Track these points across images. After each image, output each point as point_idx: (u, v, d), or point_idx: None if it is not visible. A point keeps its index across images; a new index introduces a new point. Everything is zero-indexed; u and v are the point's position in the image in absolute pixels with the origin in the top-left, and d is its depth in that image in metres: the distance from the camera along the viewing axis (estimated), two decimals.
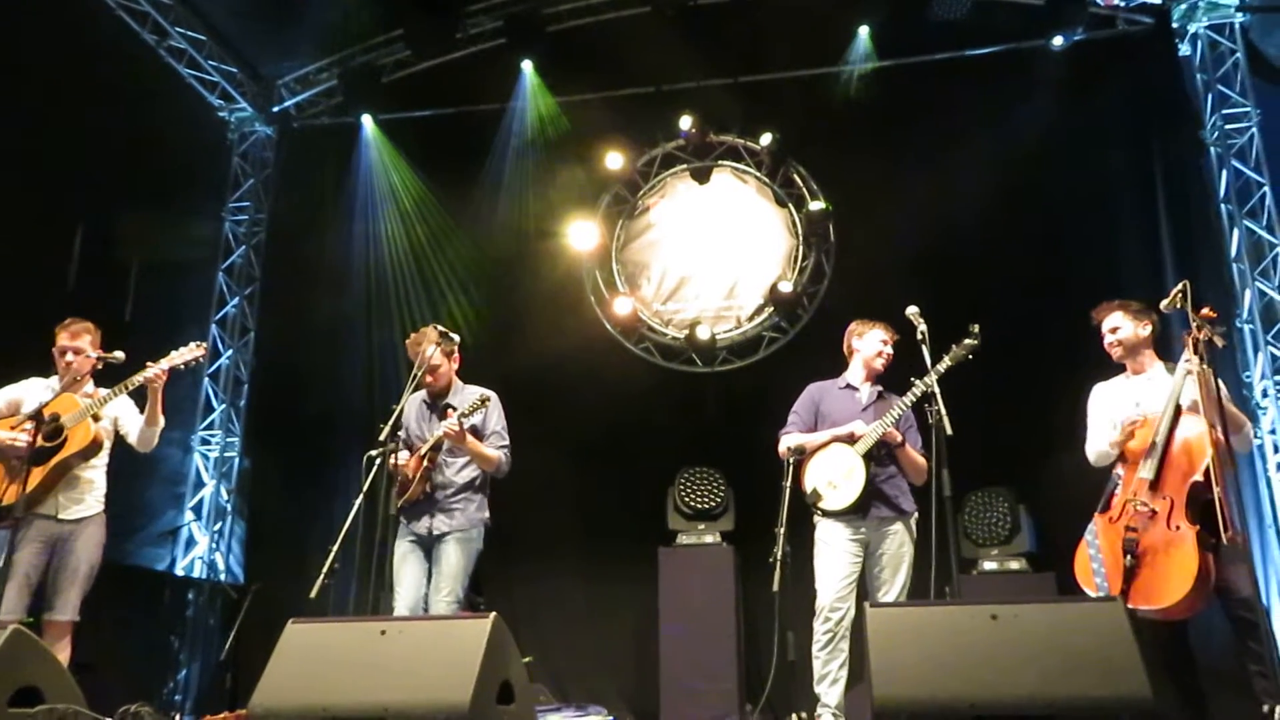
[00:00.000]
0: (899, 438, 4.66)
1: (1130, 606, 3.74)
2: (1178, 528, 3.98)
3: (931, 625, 2.75)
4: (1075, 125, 7.37)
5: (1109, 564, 4.11)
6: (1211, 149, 7.29)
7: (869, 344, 4.94)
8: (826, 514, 4.69)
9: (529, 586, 7.28)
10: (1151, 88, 7.47)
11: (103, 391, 4.67)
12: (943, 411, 4.18)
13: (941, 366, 4.50)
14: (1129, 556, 4.01)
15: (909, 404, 4.58)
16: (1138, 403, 4.34)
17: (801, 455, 4.73)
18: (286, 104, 9.26)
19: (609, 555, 7.28)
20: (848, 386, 4.95)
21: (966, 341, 4.59)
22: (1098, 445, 4.44)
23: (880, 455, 4.69)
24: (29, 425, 4.38)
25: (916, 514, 4.72)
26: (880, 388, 4.92)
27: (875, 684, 2.64)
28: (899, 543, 4.67)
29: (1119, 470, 4.33)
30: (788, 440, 4.82)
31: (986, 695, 2.54)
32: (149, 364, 4.66)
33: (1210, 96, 7.37)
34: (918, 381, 4.49)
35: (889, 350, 4.91)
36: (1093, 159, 7.34)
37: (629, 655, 7.14)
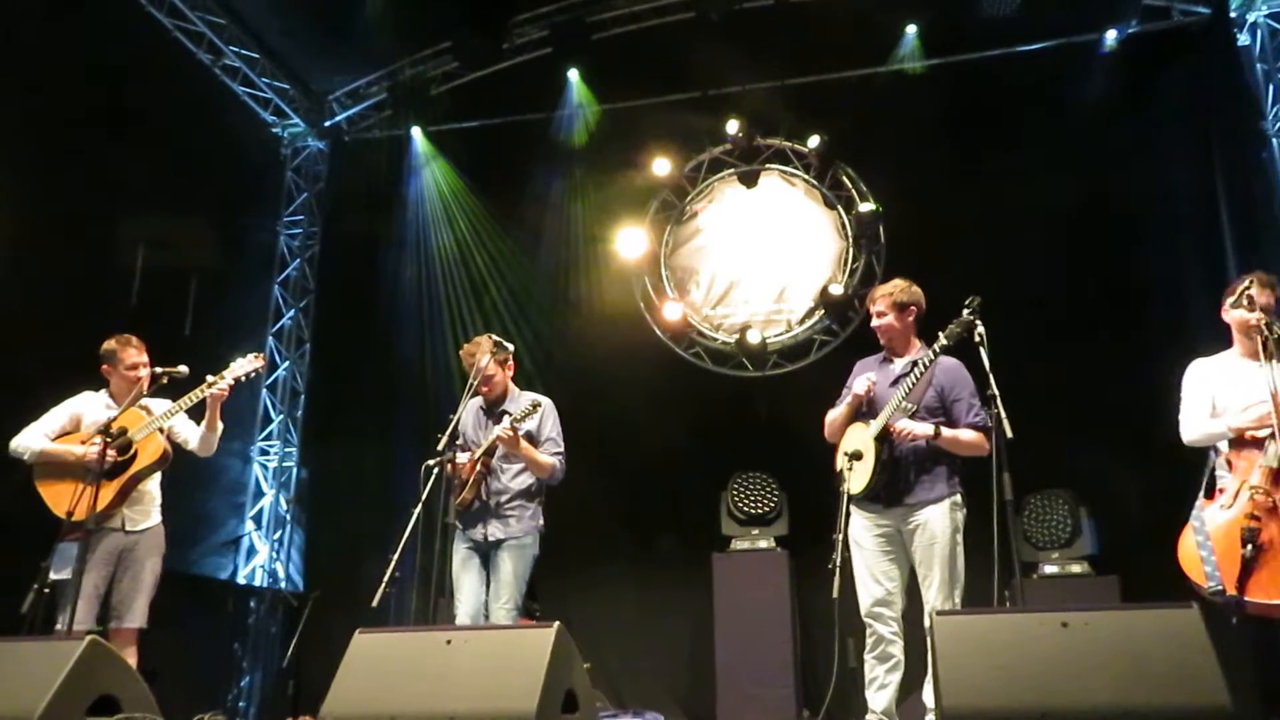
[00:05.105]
0: (914, 432, 4.22)
1: (1247, 599, 3.59)
2: None
3: (1000, 633, 2.70)
4: (1131, 119, 7.24)
5: (1221, 553, 3.83)
6: (1273, 140, 7.10)
7: None
8: (852, 499, 4.31)
9: (583, 593, 7.29)
10: (1210, 79, 7.28)
11: (162, 405, 4.75)
12: (1003, 414, 3.94)
13: (946, 340, 4.22)
14: (1249, 547, 3.73)
15: (914, 382, 4.25)
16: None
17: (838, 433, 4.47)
18: (338, 118, 9.42)
19: (662, 561, 7.31)
20: (884, 359, 4.61)
21: (964, 316, 4.22)
22: (1201, 426, 4.11)
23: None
24: (98, 439, 4.48)
25: (956, 497, 4.28)
26: (918, 356, 4.42)
27: (944, 693, 2.60)
28: (930, 532, 4.21)
29: (1221, 453, 4.04)
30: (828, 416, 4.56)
31: (1059, 704, 2.49)
32: (209, 377, 4.75)
33: (1271, 87, 7.19)
34: (922, 355, 4.28)
35: (875, 318, 4.57)
36: (1150, 153, 7.17)
37: (684, 661, 7.15)
